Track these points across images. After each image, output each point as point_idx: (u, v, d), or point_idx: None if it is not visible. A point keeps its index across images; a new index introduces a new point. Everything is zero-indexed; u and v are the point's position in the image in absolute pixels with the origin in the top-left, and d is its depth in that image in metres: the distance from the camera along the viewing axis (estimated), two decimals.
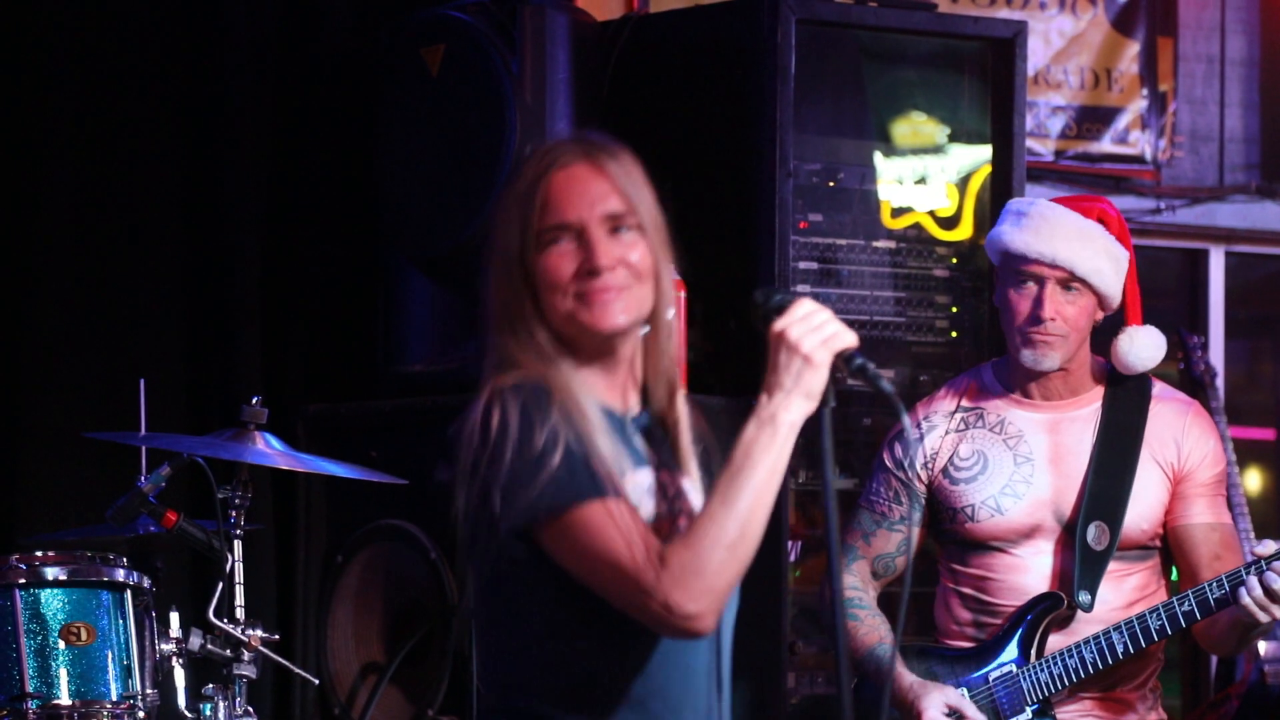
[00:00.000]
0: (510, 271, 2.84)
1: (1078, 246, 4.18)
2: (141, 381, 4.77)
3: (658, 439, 2.91)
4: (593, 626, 2.77)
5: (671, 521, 2.83)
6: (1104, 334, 4.35)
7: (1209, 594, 4.08)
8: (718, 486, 2.74)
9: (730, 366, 5.18)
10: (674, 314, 2.90)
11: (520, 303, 2.83)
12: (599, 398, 2.85)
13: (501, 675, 2.84)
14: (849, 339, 2.77)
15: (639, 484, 2.82)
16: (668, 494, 2.86)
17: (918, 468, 4.30)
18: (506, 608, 2.81)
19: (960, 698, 4.18)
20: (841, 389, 5.40)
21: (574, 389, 2.80)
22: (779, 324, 2.76)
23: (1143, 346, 4.24)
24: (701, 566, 2.69)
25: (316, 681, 5.22)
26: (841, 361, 2.78)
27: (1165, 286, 7.92)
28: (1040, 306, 4.16)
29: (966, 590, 4.28)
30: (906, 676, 4.19)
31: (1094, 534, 4.18)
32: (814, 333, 2.75)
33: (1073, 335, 4.20)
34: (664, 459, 2.90)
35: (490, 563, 2.80)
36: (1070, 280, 4.18)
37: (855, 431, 5.23)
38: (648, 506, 2.82)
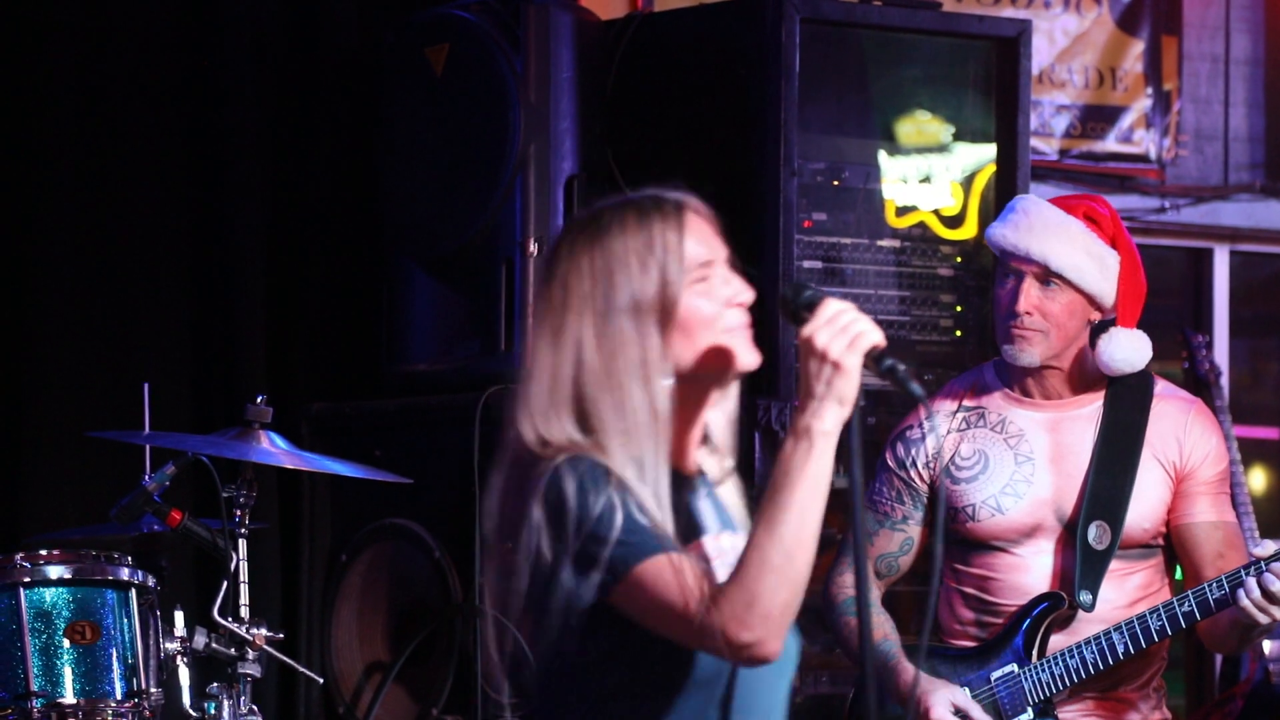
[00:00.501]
0: (642, 318, 2.80)
1: (1054, 242, 4.17)
2: (146, 384, 4.77)
3: (714, 500, 2.93)
4: (659, 678, 2.79)
5: None
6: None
7: (1209, 594, 4.07)
8: (761, 510, 2.74)
9: None
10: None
11: (647, 350, 2.80)
12: (671, 459, 2.84)
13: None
14: (876, 338, 2.76)
15: (720, 546, 2.84)
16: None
17: (919, 467, 4.30)
18: (574, 674, 2.83)
19: (966, 698, 4.18)
20: None
21: (646, 458, 2.79)
22: (806, 330, 2.76)
23: (1119, 348, 4.21)
24: (752, 596, 2.69)
25: (321, 680, 5.23)
26: (871, 361, 2.76)
27: (1170, 285, 7.92)
28: (1016, 300, 4.16)
29: (969, 590, 4.28)
30: (911, 673, 4.19)
31: (1095, 533, 4.18)
32: (841, 336, 2.74)
33: (1054, 332, 4.18)
34: (723, 521, 2.91)
35: (559, 633, 2.80)
36: (1047, 275, 4.17)
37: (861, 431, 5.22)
38: (722, 571, 2.82)
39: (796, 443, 2.73)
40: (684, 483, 2.87)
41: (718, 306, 2.83)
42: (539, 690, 2.88)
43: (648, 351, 2.79)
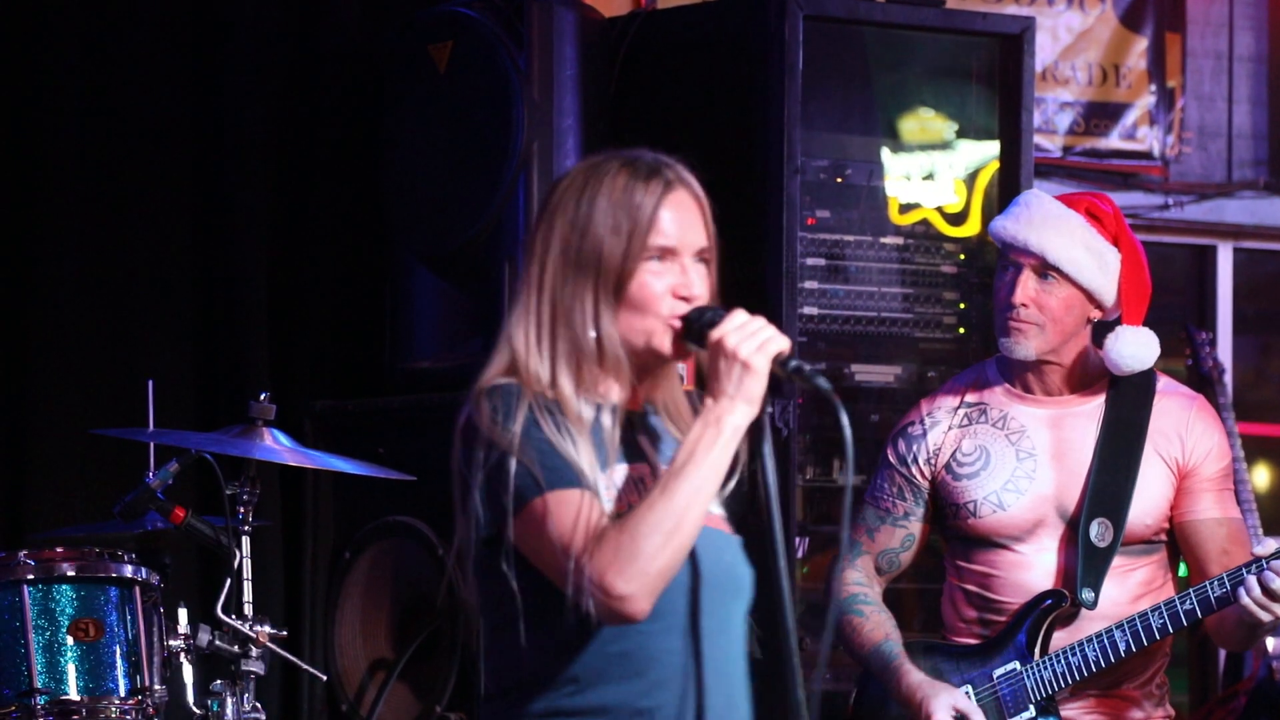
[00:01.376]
0: (603, 275, 2.92)
1: (1051, 234, 4.17)
2: (150, 381, 4.77)
3: (657, 435, 3.01)
4: (548, 622, 2.86)
5: None
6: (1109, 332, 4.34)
7: (1210, 592, 4.07)
8: (661, 478, 2.84)
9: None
10: None
11: (599, 307, 2.92)
12: (611, 398, 2.95)
13: (493, 673, 2.95)
14: (782, 343, 2.87)
15: (617, 478, 2.92)
16: (638, 489, 2.94)
17: (921, 463, 4.30)
18: (492, 609, 2.92)
19: (968, 701, 4.18)
20: (849, 385, 5.42)
21: (567, 391, 2.90)
22: (715, 332, 2.87)
23: (1126, 346, 4.21)
24: (635, 550, 2.78)
25: (324, 677, 5.23)
26: (778, 365, 2.87)
27: (1173, 283, 7.91)
28: (1013, 291, 4.16)
29: (971, 587, 4.27)
30: (913, 675, 4.18)
31: (1098, 531, 4.17)
32: (750, 339, 2.86)
33: (1050, 326, 4.18)
34: (636, 453, 2.98)
35: (479, 564, 2.91)
36: (1044, 268, 4.17)
37: (862, 427, 5.23)
38: (615, 495, 2.91)
39: (705, 428, 2.85)
40: (631, 417, 2.98)
41: (662, 290, 2.92)
42: (483, 632, 2.98)
43: (600, 311, 2.91)
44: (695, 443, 2.84)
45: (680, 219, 2.94)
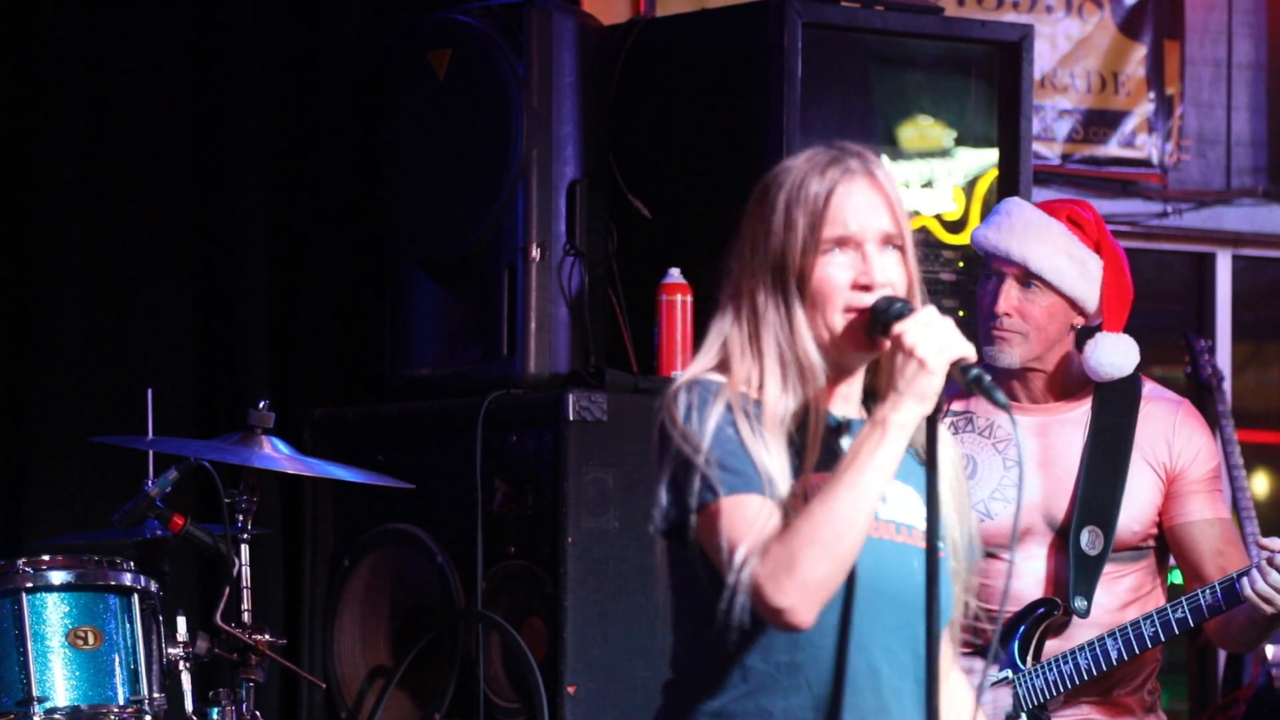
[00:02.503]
0: (786, 275, 2.86)
1: (1033, 243, 4.16)
2: (149, 389, 4.77)
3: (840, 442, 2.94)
4: (723, 620, 2.82)
5: None
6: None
7: (1201, 600, 4.07)
8: (824, 485, 2.79)
9: None
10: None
11: (791, 308, 2.86)
12: (819, 403, 2.88)
13: (674, 661, 2.93)
14: (965, 349, 2.80)
15: (814, 486, 2.86)
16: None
17: None
18: (677, 598, 2.90)
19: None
20: None
21: (772, 394, 2.85)
22: (898, 328, 2.80)
23: (1105, 353, 4.20)
24: (793, 562, 2.73)
25: (324, 686, 5.23)
26: (958, 371, 2.80)
27: (1172, 290, 7.91)
28: (996, 301, 4.16)
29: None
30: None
31: (1088, 539, 4.17)
32: (931, 338, 2.79)
33: (1033, 334, 4.17)
34: (830, 460, 2.92)
35: (666, 553, 2.88)
36: (1027, 277, 4.16)
37: None
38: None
39: (871, 430, 2.79)
40: (833, 424, 2.91)
41: (842, 283, 2.86)
42: (670, 615, 2.93)
43: (794, 313, 2.85)
44: (859, 445, 2.78)
45: (857, 205, 2.86)
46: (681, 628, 2.91)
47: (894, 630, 2.88)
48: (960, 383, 2.81)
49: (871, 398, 2.93)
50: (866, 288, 2.85)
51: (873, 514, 2.78)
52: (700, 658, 2.87)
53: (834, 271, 2.85)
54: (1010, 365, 4.18)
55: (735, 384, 2.85)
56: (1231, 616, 4.09)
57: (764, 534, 2.76)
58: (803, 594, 2.74)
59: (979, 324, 4.20)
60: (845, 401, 2.94)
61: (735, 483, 2.79)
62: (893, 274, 2.87)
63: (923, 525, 2.86)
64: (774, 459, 2.81)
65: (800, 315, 2.85)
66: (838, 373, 2.91)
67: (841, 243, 2.86)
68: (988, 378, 2.82)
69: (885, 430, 2.78)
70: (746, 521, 2.77)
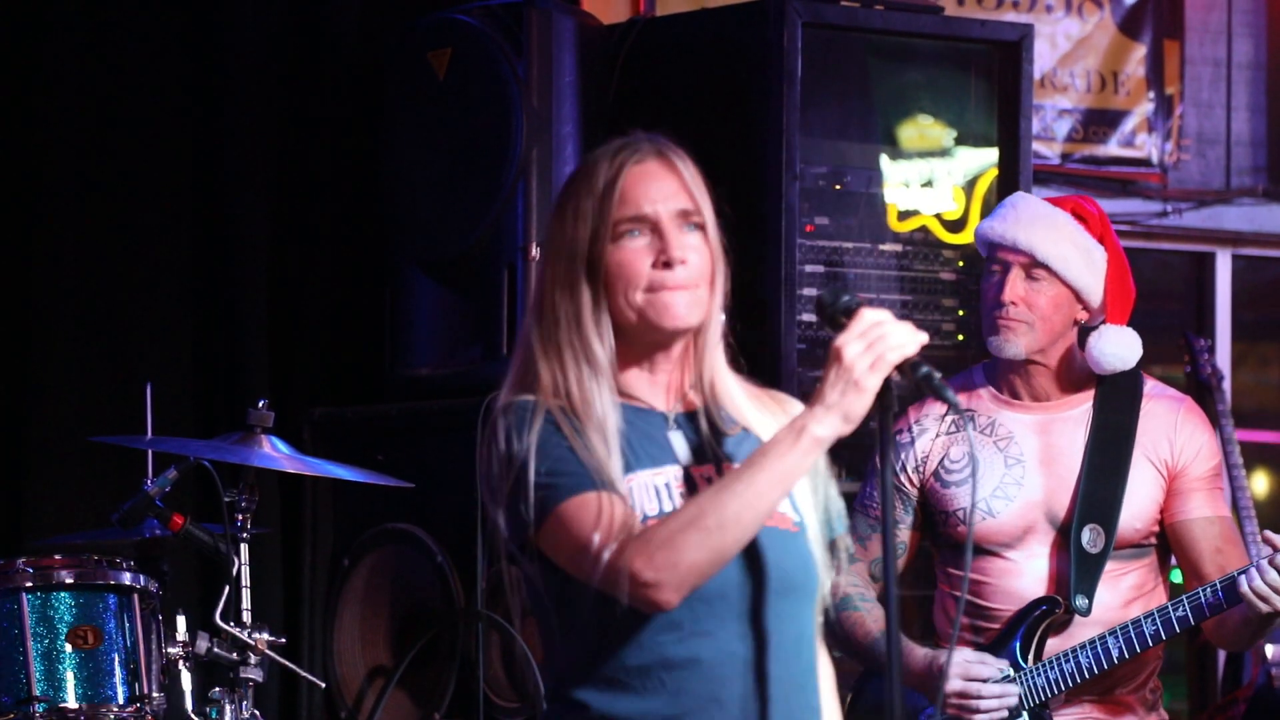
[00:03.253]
0: (575, 266, 2.85)
1: (1041, 233, 4.17)
2: (148, 385, 4.77)
3: (699, 435, 2.93)
4: (592, 624, 2.82)
5: None
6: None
7: (1203, 599, 4.07)
8: (724, 476, 2.78)
9: (736, 369, 5.17)
10: (723, 317, 2.93)
11: (579, 299, 2.85)
12: (638, 396, 2.89)
13: (549, 675, 2.93)
14: (907, 352, 2.76)
15: (650, 481, 2.86)
16: (696, 489, 2.88)
17: (909, 470, 4.30)
18: (541, 615, 2.89)
19: (976, 653, 4.15)
20: None
21: (585, 398, 2.83)
22: (838, 340, 2.76)
23: (1109, 344, 4.21)
24: (670, 540, 2.72)
25: (323, 685, 5.23)
26: (908, 370, 2.77)
27: (1172, 290, 7.91)
28: (1003, 290, 4.17)
29: (961, 594, 4.27)
30: (919, 650, 4.17)
31: (1089, 537, 4.17)
32: (868, 353, 2.75)
33: (1039, 324, 4.18)
34: (704, 455, 2.92)
35: (521, 575, 2.88)
36: (1033, 266, 4.17)
37: (860, 434, 5.22)
38: (657, 502, 2.85)
39: (787, 433, 2.76)
40: (656, 418, 2.90)
41: (643, 263, 2.84)
42: (539, 634, 2.93)
43: (580, 302, 2.84)
44: (771, 445, 2.76)
45: (647, 185, 2.85)
46: (544, 644, 2.91)
47: (778, 614, 2.86)
48: (909, 382, 2.78)
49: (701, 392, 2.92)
50: (667, 264, 2.83)
51: (763, 518, 2.76)
52: (573, 666, 2.85)
53: (630, 254, 2.84)
54: (1015, 355, 4.19)
55: (546, 394, 2.84)
56: (1227, 615, 4.09)
57: (618, 522, 2.75)
58: (673, 573, 2.72)
59: (983, 315, 4.21)
60: (667, 394, 2.91)
61: (571, 485, 2.78)
62: (693, 254, 2.85)
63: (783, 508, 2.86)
64: (603, 456, 2.80)
65: (587, 303, 2.84)
66: (655, 360, 2.89)
67: (636, 222, 2.84)
68: (937, 376, 2.79)
69: (799, 440, 2.75)
70: (593, 513, 2.76)
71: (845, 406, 2.75)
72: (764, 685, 2.85)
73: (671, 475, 2.88)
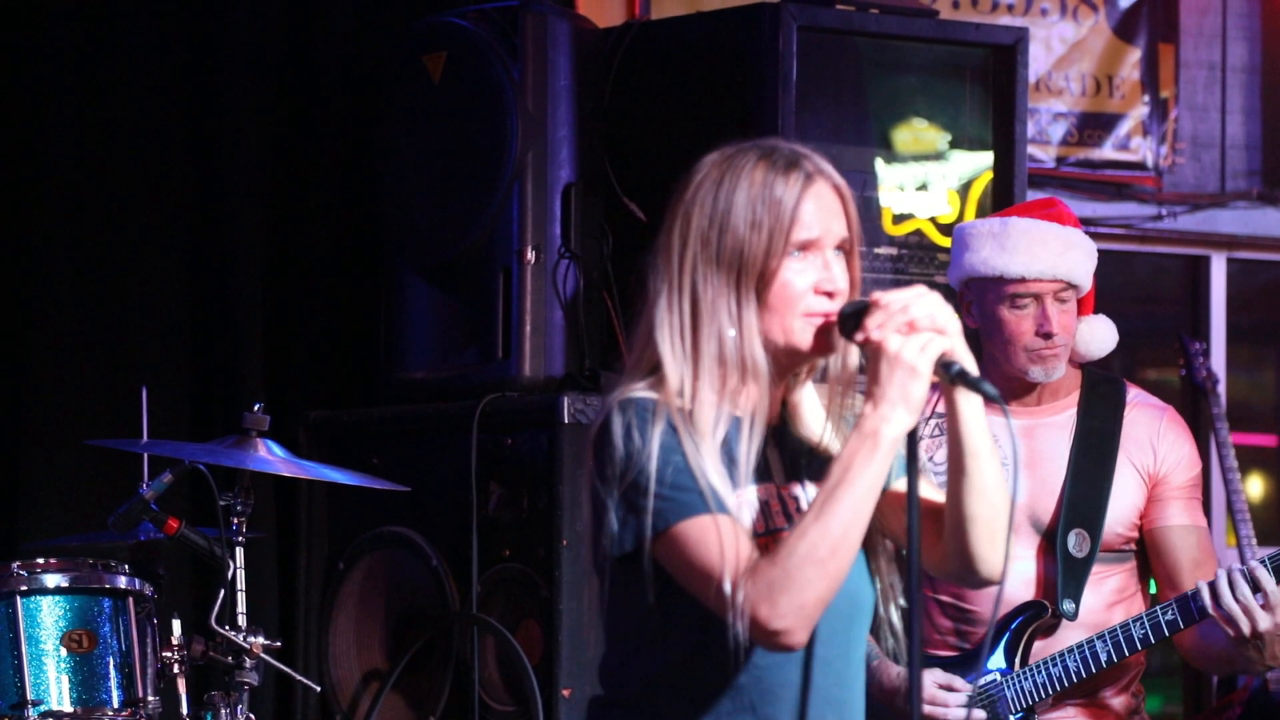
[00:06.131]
0: (746, 275, 2.81)
1: (1071, 257, 4.19)
2: (144, 389, 4.77)
3: (792, 450, 2.92)
4: (674, 641, 2.81)
5: (774, 536, 2.83)
6: None
7: (1191, 602, 4.08)
8: (815, 501, 2.74)
9: None
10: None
11: (745, 310, 2.82)
12: (748, 409, 2.85)
13: (611, 680, 2.90)
14: (944, 343, 2.74)
15: (754, 499, 2.84)
16: (785, 507, 2.87)
17: (921, 462, 4.30)
18: (620, 621, 2.87)
19: (948, 676, 4.16)
20: None
21: (709, 407, 2.81)
22: (874, 333, 2.75)
23: (1098, 333, 4.27)
24: (789, 582, 2.70)
25: (318, 689, 5.23)
26: (940, 368, 2.75)
27: (1167, 293, 7.92)
28: (1048, 322, 4.15)
29: (945, 598, 4.27)
30: (894, 668, 4.17)
31: (1074, 541, 4.19)
32: (912, 340, 2.73)
33: (1070, 341, 4.22)
34: (793, 471, 2.91)
35: (613, 578, 2.84)
36: (1064, 290, 4.19)
37: None
38: (765, 520, 2.84)
39: (861, 441, 2.73)
40: (772, 431, 2.88)
41: (805, 288, 2.83)
42: (606, 638, 2.91)
43: (746, 314, 2.80)
44: (850, 458, 2.73)
45: (821, 211, 2.84)
46: (617, 648, 2.88)
47: (835, 640, 2.86)
48: (944, 380, 2.76)
49: (786, 408, 2.90)
50: (829, 294, 2.83)
51: (863, 533, 2.75)
52: (642, 679, 2.84)
53: (796, 277, 2.82)
54: (1058, 378, 4.20)
55: (669, 394, 2.80)
56: (1211, 644, 4.12)
57: (741, 555, 2.73)
58: (800, 615, 2.70)
59: (1014, 348, 4.17)
60: (769, 411, 2.89)
61: (692, 504, 2.75)
62: (846, 280, 2.85)
63: None
64: (716, 473, 2.78)
65: (753, 316, 2.81)
66: (779, 378, 2.88)
67: (805, 247, 2.83)
68: (973, 372, 2.77)
69: (877, 442, 2.73)
70: (716, 542, 2.73)
71: (906, 396, 2.73)
72: (835, 711, 2.86)
73: (765, 493, 2.86)
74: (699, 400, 2.80)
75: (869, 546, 2.89)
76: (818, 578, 2.70)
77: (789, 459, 2.91)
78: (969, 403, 2.81)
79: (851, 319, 2.80)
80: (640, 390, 2.82)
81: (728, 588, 2.71)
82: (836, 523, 2.71)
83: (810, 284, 2.82)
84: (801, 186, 2.83)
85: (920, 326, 2.75)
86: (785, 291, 2.81)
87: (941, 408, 4.24)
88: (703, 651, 2.79)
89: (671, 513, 2.75)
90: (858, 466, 2.73)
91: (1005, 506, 2.81)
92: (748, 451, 2.82)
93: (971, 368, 2.77)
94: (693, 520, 2.74)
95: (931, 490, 2.94)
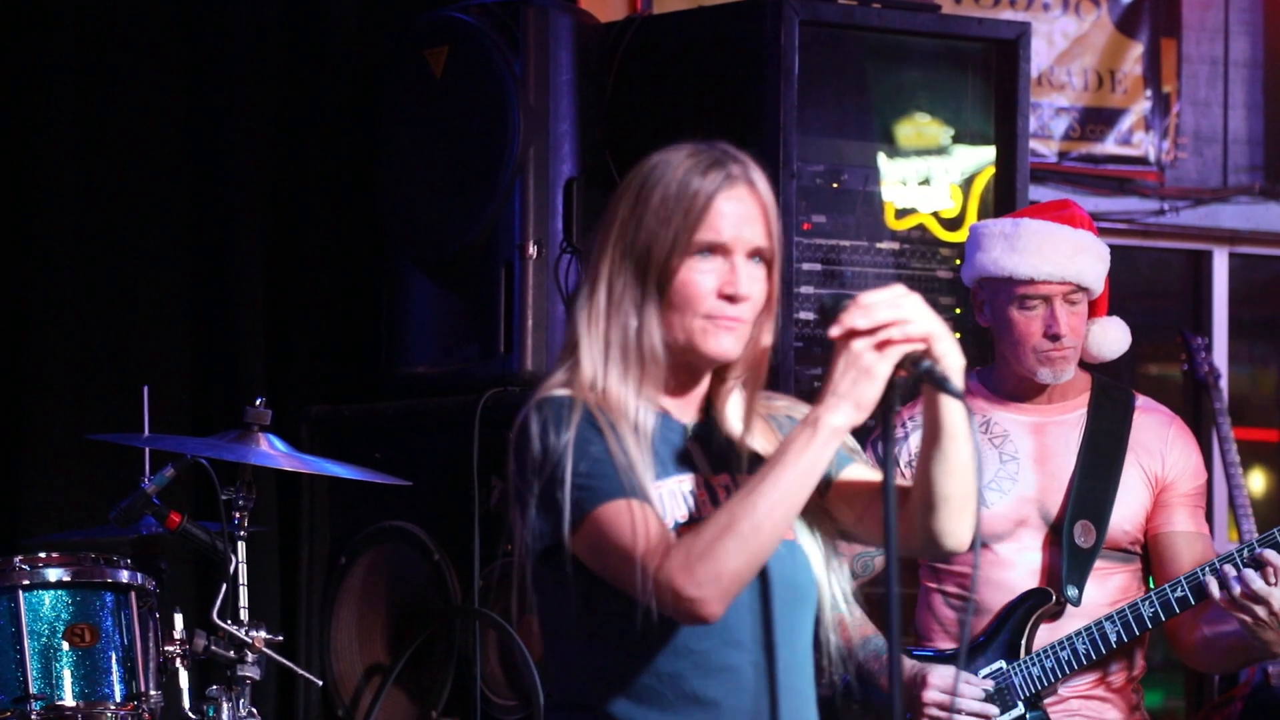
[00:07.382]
0: (649, 268, 2.83)
1: (1081, 260, 4.21)
2: (146, 384, 4.77)
3: (715, 446, 2.93)
4: (612, 631, 2.82)
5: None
6: None
7: (1201, 578, 4.10)
8: (748, 480, 2.76)
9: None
10: (767, 343, 2.92)
11: (646, 302, 2.84)
12: (661, 405, 2.89)
13: (557, 681, 2.91)
14: (910, 330, 2.73)
15: (676, 489, 2.86)
16: (715, 497, 2.88)
17: (901, 466, 4.31)
18: (554, 618, 2.88)
19: (959, 670, 4.18)
20: None
21: (620, 396, 2.83)
22: (837, 328, 2.75)
23: (1112, 334, 4.29)
24: (707, 551, 2.71)
25: (320, 683, 5.22)
26: (909, 365, 2.75)
27: (1169, 288, 7.92)
28: (1056, 324, 4.19)
29: (950, 588, 4.29)
30: (905, 661, 4.18)
31: (1080, 532, 4.22)
32: (871, 337, 2.73)
33: (1079, 343, 4.25)
34: (721, 464, 2.92)
35: (537, 575, 2.86)
36: (1073, 292, 4.21)
37: (857, 432, 5.22)
38: (681, 509, 2.85)
39: (802, 428, 2.74)
40: (677, 427, 2.90)
41: (707, 289, 2.83)
42: (544, 641, 2.92)
43: (646, 306, 2.83)
44: (789, 444, 2.74)
45: (735, 214, 2.84)
46: (555, 650, 2.89)
47: (784, 624, 2.87)
48: (912, 376, 2.77)
49: (711, 406, 2.93)
50: (731, 298, 2.83)
51: (794, 515, 2.76)
52: (585, 674, 2.85)
53: (700, 277, 2.83)
54: (1069, 378, 4.23)
55: (583, 385, 2.83)
56: (1219, 637, 4.13)
57: (653, 535, 2.74)
58: (715, 585, 2.71)
59: (1024, 349, 4.20)
60: (689, 407, 2.92)
61: (607, 489, 2.76)
62: (756, 287, 2.85)
63: None
64: (636, 461, 2.79)
65: (654, 312, 2.83)
66: (686, 376, 2.89)
67: (712, 249, 2.83)
68: (939, 369, 2.76)
69: (817, 431, 2.74)
70: (629, 524, 2.75)
71: (856, 394, 2.74)
72: (777, 696, 2.86)
73: (693, 483, 2.88)
74: (609, 388, 2.82)
75: (816, 538, 2.92)
76: (737, 551, 2.70)
77: (715, 453, 2.92)
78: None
79: (829, 313, 2.80)
80: (557, 388, 2.84)
81: (636, 555, 2.72)
82: (763, 500, 2.72)
83: (713, 286, 2.83)
84: (718, 187, 2.84)
85: (885, 325, 2.73)
86: (686, 290, 2.83)
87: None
88: (636, 643, 2.81)
89: (587, 500, 2.77)
90: (794, 450, 2.73)
91: (975, 485, 2.83)
92: (669, 443, 2.85)
93: (951, 366, 2.76)
94: (608, 504, 2.76)
95: (871, 473, 2.97)
